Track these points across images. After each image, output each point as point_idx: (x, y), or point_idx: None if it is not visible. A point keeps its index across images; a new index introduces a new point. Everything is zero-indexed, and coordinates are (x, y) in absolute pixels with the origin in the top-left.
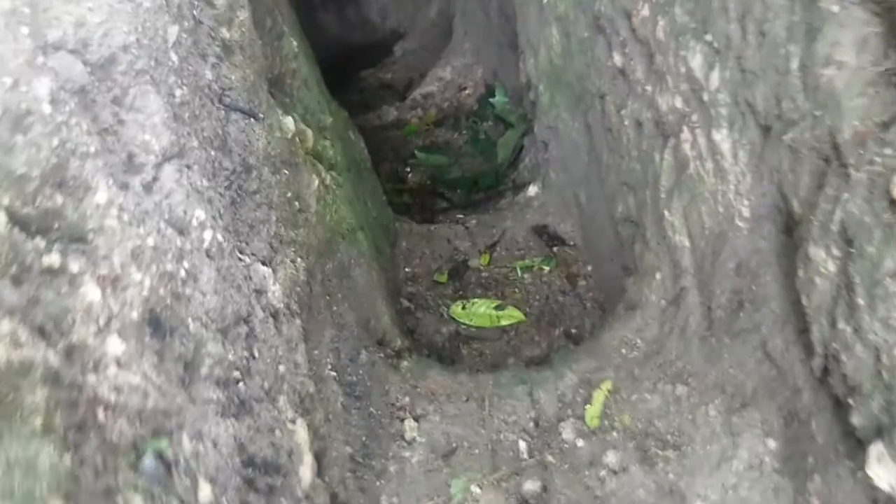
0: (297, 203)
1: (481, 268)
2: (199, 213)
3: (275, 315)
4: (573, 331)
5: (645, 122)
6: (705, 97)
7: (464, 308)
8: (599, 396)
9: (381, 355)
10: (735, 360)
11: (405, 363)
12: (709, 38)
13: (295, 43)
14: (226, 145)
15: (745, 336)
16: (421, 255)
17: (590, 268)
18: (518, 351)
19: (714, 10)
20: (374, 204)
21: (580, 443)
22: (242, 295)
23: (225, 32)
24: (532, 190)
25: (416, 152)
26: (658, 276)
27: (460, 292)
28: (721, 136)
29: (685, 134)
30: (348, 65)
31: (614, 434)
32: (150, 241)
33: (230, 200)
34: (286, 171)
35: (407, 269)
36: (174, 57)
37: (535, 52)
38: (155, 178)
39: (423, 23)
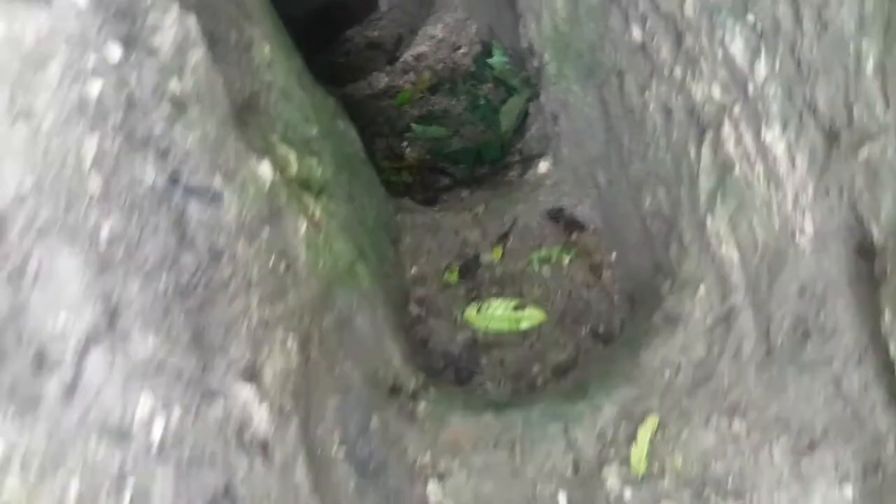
0: (282, 264)
1: (495, 263)
2: (146, 400)
3: (263, 448)
4: (601, 329)
5: (675, 110)
6: (750, 89)
7: (479, 311)
8: (645, 435)
9: (396, 409)
10: (801, 393)
11: (422, 406)
12: (751, 19)
13: (268, 48)
14: (185, 238)
15: (813, 369)
16: (428, 252)
17: (614, 255)
18: (542, 356)
19: None
20: (372, 201)
21: (628, 493)
22: (215, 465)
23: (174, 85)
24: (543, 166)
25: (412, 125)
26: (702, 288)
27: (474, 292)
28: (773, 137)
29: (727, 129)
30: (331, 22)
31: (666, 481)
32: (74, 489)
33: (197, 305)
34: (266, 231)
35: (414, 270)
36: (95, 181)
37: (538, 17)
38: (77, 376)
39: None
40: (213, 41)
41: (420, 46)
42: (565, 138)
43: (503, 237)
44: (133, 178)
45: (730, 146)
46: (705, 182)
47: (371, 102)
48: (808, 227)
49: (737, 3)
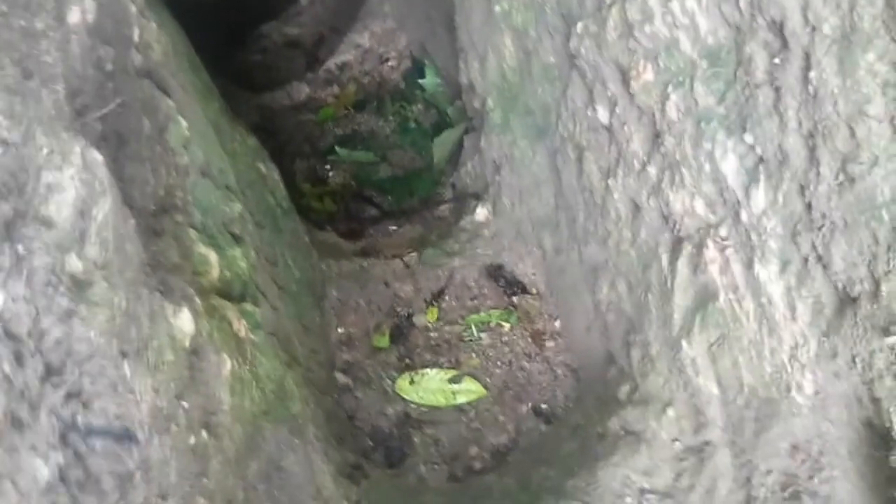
0: (203, 433)
1: (429, 325)
2: None
3: None
4: (543, 406)
5: (645, 209)
6: (743, 216)
7: (412, 382)
8: None
9: None
10: None
11: None
12: (749, 139)
13: (185, 124)
14: (89, 478)
15: None
16: (355, 308)
17: (558, 323)
18: (480, 437)
19: (760, 108)
20: (296, 257)
21: None
22: None
23: (74, 263)
24: (480, 213)
25: (336, 148)
26: (671, 411)
27: (406, 360)
28: (768, 276)
29: (711, 251)
30: (244, 12)
31: None
32: None
33: None
34: (184, 406)
35: (340, 330)
36: None
37: (482, 58)
38: None
39: None
40: (122, 143)
41: (345, 55)
42: (507, 190)
43: (438, 294)
44: (20, 468)
45: (713, 270)
46: (681, 300)
47: (291, 115)
48: (808, 386)
49: (731, 117)
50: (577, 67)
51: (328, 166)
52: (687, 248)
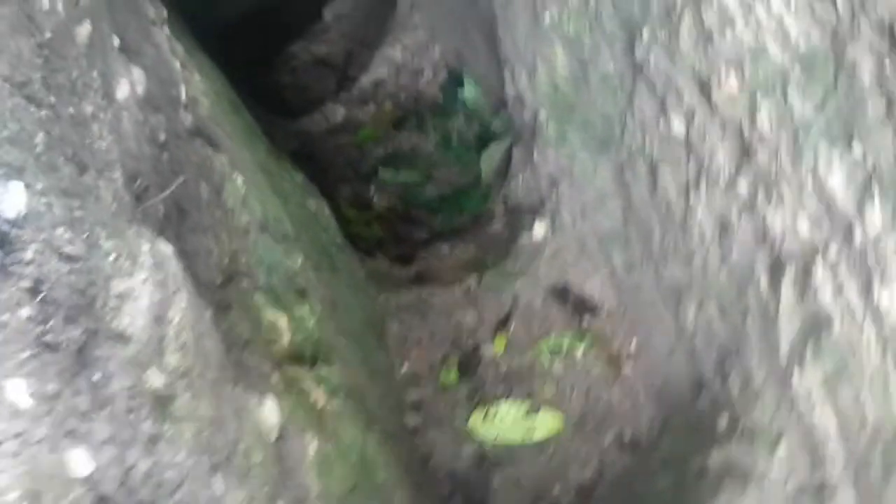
0: None
1: (498, 356)
2: None
3: None
4: (627, 436)
5: (736, 228)
6: (857, 235)
7: (486, 418)
8: None
9: None
10: None
11: None
12: (858, 151)
13: (240, 180)
14: None
15: None
16: (418, 342)
17: (634, 343)
18: (563, 473)
19: (869, 117)
20: (356, 296)
21: None
22: None
23: (155, 378)
24: (538, 230)
25: (379, 170)
26: (783, 447)
27: (477, 394)
28: (890, 300)
29: (820, 274)
30: (270, 30)
31: None
32: None
33: None
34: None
35: (405, 368)
36: None
37: (530, 70)
38: None
39: None
40: (182, 216)
41: (378, 71)
42: (567, 204)
43: (504, 321)
44: None
45: (824, 295)
46: (787, 326)
47: (329, 139)
48: None
49: (834, 127)
50: (644, 76)
51: (372, 189)
52: (790, 270)
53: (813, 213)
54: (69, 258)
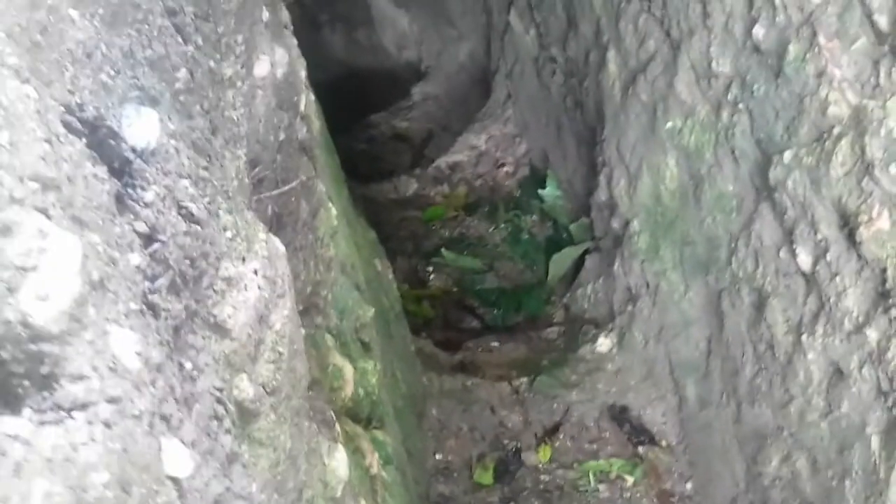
0: None
1: (540, 465)
2: None
3: None
4: None
5: (852, 376)
6: None
7: None
8: None
9: None
10: None
11: None
12: None
13: (334, 211)
14: None
15: None
16: (457, 433)
17: (690, 486)
18: None
19: None
20: (405, 368)
21: None
22: None
23: (245, 387)
24: (603, 344)
25: (442, 251)
26: None
27: (511, 502)
28: None
29: None
30: (355, 99)
31: None
32: None
33: None
34: None
35: (438, 456)
36: None
37: (632, 176)
38: None
39: (449, 64)
40: (280, 227)
41: (457, 155)
42: (642, 323)
43: (552, 431)
44: None
45: None
46: None
47: (396, 210)
48: None
49: None
50: (773, 201)
51: (430, 268)
52: None
53: None
54: (190, 217)
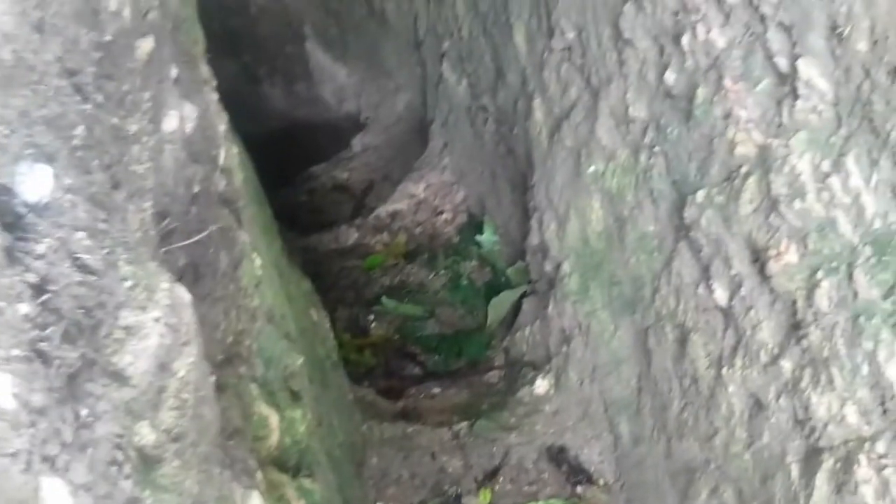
0: None
1: None
2: None
3: None
4: None
5: (770, 407)
6: None
7: None
8: None
9: None
10: None
11: None
12: None
13: (259, 262)
14: None
15: None
16: (397, 479)
17: None
18: None
19: None
20: (341, 418)
21: None
22: None
23: (146, 433)
24: (540, 386)
25: (383, 299)
26: None
27: None
28: None
29: (864, 469)
30: (297, 151)
31: None
32: None
33: None
34: None
35: None
36: None
37: (562, 220)
38: None
39: (387, 116)
40: (197, 278)
41: (397, 203)
42: (576, 364)
43: (492, 474)
44: None
45: (866, 492)
46: None
47: (337, 260)
48: None
49: None
50: (690, 239)
51: (371, 317)
52: (829, 461)
53: (864, 403)
54: (84, 268)
